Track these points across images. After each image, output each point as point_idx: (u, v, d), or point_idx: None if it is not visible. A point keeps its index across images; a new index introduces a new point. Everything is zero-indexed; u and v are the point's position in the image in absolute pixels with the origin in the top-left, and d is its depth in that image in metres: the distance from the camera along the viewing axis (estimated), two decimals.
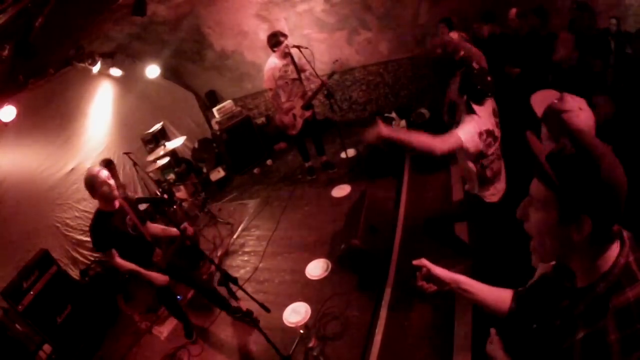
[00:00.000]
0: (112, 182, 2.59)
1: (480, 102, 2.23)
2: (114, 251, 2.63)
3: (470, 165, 2.38)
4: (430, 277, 1.27)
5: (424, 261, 1.29)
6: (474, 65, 2.30)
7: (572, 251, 0.85)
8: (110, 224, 2.62)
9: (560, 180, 0.79)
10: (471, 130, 2.21)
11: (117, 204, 2.68)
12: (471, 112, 2.24)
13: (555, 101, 1.49)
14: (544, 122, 1.54)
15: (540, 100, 1.58)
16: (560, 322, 0.90)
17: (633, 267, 0.81)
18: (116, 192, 2.62)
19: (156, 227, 2.99)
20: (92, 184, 2.55)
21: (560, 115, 1.43)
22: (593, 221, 0.78)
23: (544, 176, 0.82)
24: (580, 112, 1.43)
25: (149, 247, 2.82)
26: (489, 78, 2.24)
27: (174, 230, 2.92)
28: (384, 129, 2.12)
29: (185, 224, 2.88)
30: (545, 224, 0.86)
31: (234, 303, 2.87)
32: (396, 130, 2.23)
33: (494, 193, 2.47)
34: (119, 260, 2.64)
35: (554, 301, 0.96)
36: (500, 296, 1.22)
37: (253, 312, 2.97)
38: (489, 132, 2.28)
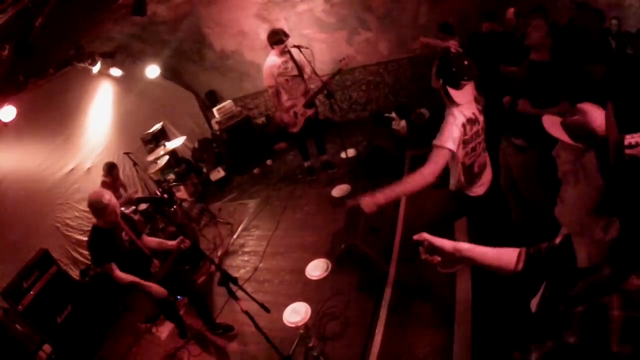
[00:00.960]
0: (117, 209, 2.67)
1: (457, 86, 2.16)
2: (113, 265, 2.67)
3: (458, 166, 2.33)
4: (433, 249, 1.31)
5: (424, 235, 1.32)
6: (452, 49, 2.25)
7: (587, 237, 0.84)
8: (108, 239, 2.68)
9: (616, 172, 0.76)
10: (453, 130, 2.13)
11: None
12: (448, 97, 2.19)
13: (576, 117, 1.49)
14: (569, 134, 1.52)
15: (551, 123, 1.58)
16: (563, 305, 0.88)
17: None
18: (118, 217, 2.70)
19: (152, 241, 3.02)
20: (101, 210, 2.60)
21: (587, 125, 1.43)
22: (622, 229, 0.76)
23: (603, 158, 0.79)
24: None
25: (146, 259, 2.87)
26: (466, 62, 2.17)
27: (170, 244, 2.95)
28: (373, 203, 2.11)
29: (181, 237, 2.89)
30: (581, 200, 0.83)
31: (219, 320, 3.10)
32: (383, 194, 2.15)
33: (481, 185, 2.45)
34: (119, 274, 2.68)
35: (558, 278, 0.95)
36: (503, 258, 1.23)
37: (234, 329, 3.08)
38: (471, 121, 2.21)
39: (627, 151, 0.76)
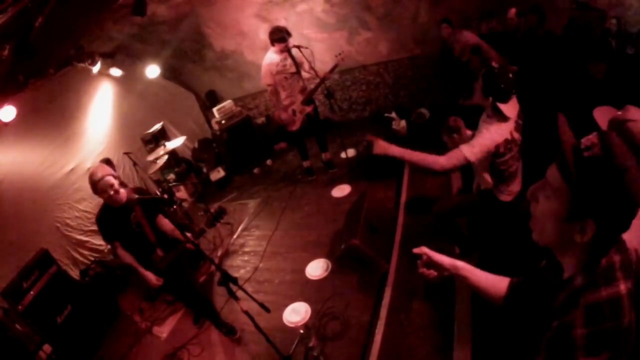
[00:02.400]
0: (116, 187, 2.66)
1: (506, 101, 2.18)
2: (117, 243, 2.77)
3: (485, 174, 2.40)
4: (431, 264, 1.32)
5: (424, 249, 1.35)
6: (493, 64, 2.26)
7: (568, 246, 0.85)
8: (114, 218, 2.73)
9: (578, 177, 0.78)
10: (484, 146, 2.17)
11: (123, 200, 2.73)
12: (498, 113, 2.19)
13: (620, 112, 1.50)
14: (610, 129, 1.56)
15: (602, 114, 1.60)
16: (542, 316, 0.89)
17: (615, 268, 0.81)
18: (119, 196, 2.69)
19: (167, 224, 3.00)
20: (93, 185, 2.64)
21: (624, 124, 1.43)
22: (598, 228, 0.78)
23: (563, 166, 0.81)
24: None
25: (149, 246, 2.86)
26: (510, 75, 2.20)
27: (181, 236, 2.93)
28: (385, 147, 2.20)
29: (190, 236, 2.82)
30: (551, 213, 0.85)
31: (223, 318, 3.06)
32: (397, 148, 2.24)
33: (509, 193, 2.45)
34: (121, 252, 2.76)
35: (541, 296, 0.96)
36: (497, 284, 1.24)
37: (237, 331, 3.04)
38: (508, 141, 2.23)
39: (586, 153, 0.77)
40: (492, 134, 2.20)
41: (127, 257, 2.76)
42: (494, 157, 2.29)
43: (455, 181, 3.83)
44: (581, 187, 0.78)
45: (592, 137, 0.79)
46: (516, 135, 2.29)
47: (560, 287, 0.87)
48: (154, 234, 2.88)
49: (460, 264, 1.30)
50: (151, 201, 2.96)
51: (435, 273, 1.33)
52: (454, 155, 2.18)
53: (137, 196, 2.78)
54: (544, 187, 0.87)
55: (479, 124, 2.34)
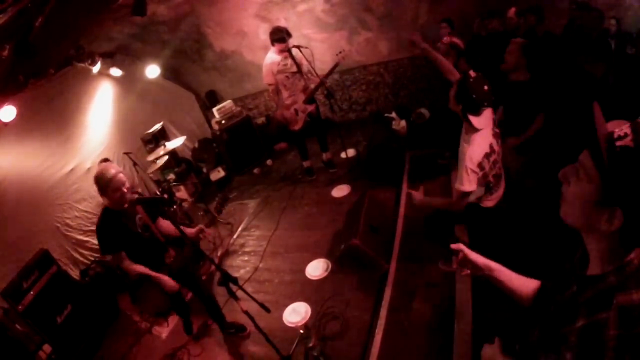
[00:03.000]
0: (127, 184, 2.44)
1: (476, 113, 2.16)
2: (123, 254, 2.47)
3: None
4: (466, 262, 1.33)
5: (461, 246, 1.35)
6: (471, 72, 2.23)
7: (595, 232, 0.85)
8: (119, 223, 2.47)
9: (610, 165, 0.77)
10: (471, 176, 2.21)
11: (127, 202, 2.50)
12: (468, 122, 2.20)
13: None
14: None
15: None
16: (563, 306, 0.89)
17: None
18: (128, 197, 2.45)
19: (169, 225, 2.77)
20: (105, 185, 2.39)
21: None
22: (626, 219, 0.77)
23: (596, 153, 0.80)
24: None
25: (161, 247, 2.66)
26: (485, 87, 2.14)
27: (189, 231, 2.72)
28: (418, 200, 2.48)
29: (200, 227, 2.70)
30: (581, 196, 0.85)
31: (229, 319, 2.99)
32: (426, 200, 2.50)
33: (492, 199, 2.47)
34: (128, 264, 2.49)
35: (564, 287, 0.95)
36: (529, 287, 1.24)
37: (247, 329, 3.00)
38: (488, 154, 2.24)
39: (618, 143, 0.77)
40: (471, 156, 2.20)
41: (137, 266, 2.49)
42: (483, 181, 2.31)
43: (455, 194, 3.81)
44: (612, 176, 0.78)
45: (625, 128, 0.78)
46: (495, 144, 2.29)
47: (588, 282, 0.86)
48: (162, 235, 2.68)
49: (494, 265, 1.31)
50: (151, 201, 2.84)
51: (469, 271, 1.35)
52: (455, 195, 2.33)
53: (136, 196, 2.64)
54: (577, 170, 0.87)
55: (460, 146, 2.35)
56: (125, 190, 2.42)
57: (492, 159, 2.27)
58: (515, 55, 3.00)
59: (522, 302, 1.24)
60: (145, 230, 2.60)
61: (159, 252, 2.67)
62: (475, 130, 2.20)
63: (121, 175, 2.43)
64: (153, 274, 2.53)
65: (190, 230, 2.74)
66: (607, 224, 0.80)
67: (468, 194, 2.27)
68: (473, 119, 2.16)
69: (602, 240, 0.84)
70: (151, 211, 2.70)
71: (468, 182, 2.21)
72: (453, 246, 1.36)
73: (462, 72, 2.31)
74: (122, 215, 2.51)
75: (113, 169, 2.43)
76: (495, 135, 2.31)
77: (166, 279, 2.56)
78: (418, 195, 2.47)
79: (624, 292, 0.78)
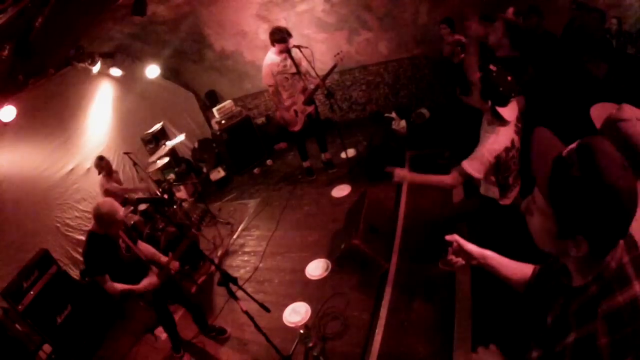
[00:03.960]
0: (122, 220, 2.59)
1: (505, 104, 2.15)
2: (107, 276, 2.51)
3: (491, 178, 2.39)
4: (461, 252, 1.35)
5: (456, 236, 1.36)
6: (491, 67, 2.23)
7: (569, 257, 0.85)
8: (105, 247, 2.54)
9: (558, 199, 0.77)
10: (485, 161, 2.18)
11: None
12: (498, 117, 2.18)
13: (614, 111, 1.48)
14: (603, 134, 1.53)
15: (599, 113, 1.58)
16: (555, 321, 0.89)
17: (627, 269, 0.80)
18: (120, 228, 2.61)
19: (147, 249, 2.87)
20: (110, 223, 2.49)
21: (617, 124, 1.41)
22: (590, 243, 0.77)
23: (542, 190, 0.81)
24: (638, 122, 1.40)
25: (143, 266, 2.73)
26: (509, 78, 2.16)
27: (163, 258, 2.83)
28: (402, 177, 2.38)
29: (170, 256, 2.78)
30: (543, 229, 0.86)
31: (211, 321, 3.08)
32: (412, 175, 2.47)
33: (509, 197, 2.46)
34: (110, 285, 2.52)
35: (553, 294, 0.96)
36: (523, 272, 1.24)
37: (227, 332, 3.09)
38: (508, 149, 2.23)
39: (566, 170, 0.75)
40: (492, 145, 2.18)
41: (118, 286, 2.54)
42: (497, 170, 2.29)
43: (456, 194, 3.80)
44: (563, 210, 0.77)
45: (573, 152, 0.77)
46: (516, 140, 2.29)
47: (574, 294, 0.86)
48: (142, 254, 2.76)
49: (489, 253, 1.32)
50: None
51: (464, 261, 1.36)
52: (457, 173, 2.26)
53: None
54: (534, 203, 0.87)
55: (481, 134, 2.33)
56: (122, 221, 2.56)
57: (511, 154, 2.26)
58: (499, 33, 3.00)
59: (517, 288, 1.25)
60: (128, 251, 2.66)
61: (142, 270, 2.72)
62: (503, 122, 2.19)
63: (122, 213, 2.55)
64: (134, 287, 2.58)
65: (164, 258, 2.82)
66: (574, 249, 0.80)
67: (468, 177, 2.24)
68: (503, 111, 2.15)
69: (577, 261, 0.85)
70: (130, 235, 2.76)
71: (478, 168, 2.19)
72: (447, 237, 1.37)
73: (482, 69, 2.29)
74: (108, 238, 2.57)
75: (122, 211, 2.54)
76: (517, 131, 2.29)
77: (144, 283, 2.60)
78: (401, 171, 2.37)
79: (607, 299, 0.78)
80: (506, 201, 2.46)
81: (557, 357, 0.85)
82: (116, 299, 2.64)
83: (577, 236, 0.78)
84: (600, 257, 0.81)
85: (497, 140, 2.19)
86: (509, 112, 2.18)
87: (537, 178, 0.80)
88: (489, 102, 2.17)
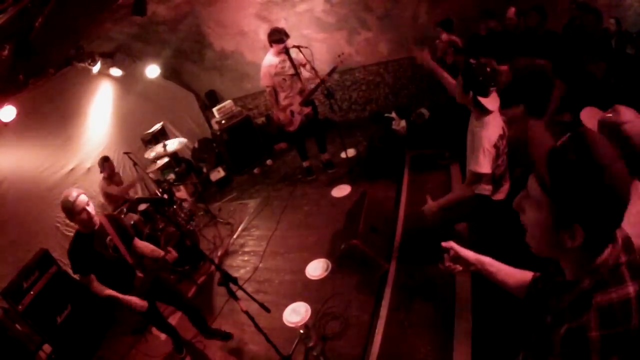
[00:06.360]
0: (90, 208, 2.47)
1: (486, 94, 2.22)
2: (92, 277, 2.48)
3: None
4: (458, 258, 1.35)
5: (452, 243, 1.37)
6: (471, 60, 2.33)
7: (563, 252, 0.85)
8: (90, 247, 2.49)
9: (555, 186, 0.77)
10: (487, 155, 2.24)
11: (97, 223, 2.55)
12: (481, 109, 2.23)
13: (610, 114, 1.49)
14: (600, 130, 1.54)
15: (589, 116, 1.61)
16: (553, 318, 0.89)
17: (622, 269, 0.80)
18: (96, 218, 2.51)
19: (145, 246, 2.83)
20: (69, 210, 2.42)
21: (619, 127, 1.42)
22: (586, 232, 0.77)
23: (539, 177, 0.81)
24: (637, 122, 1.42)
25: (129, 270, 2.66)
26: (488, 69, 2.25)
27: (161, 253, 2.80)
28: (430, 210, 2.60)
29: (169, 248, 2.77)
30: (538, 223, 0.85)
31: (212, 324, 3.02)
32: (438, 202, 2.60)
33: (502, 192, 2.50)
34: (97, 286, 2.49)
35: (547, 297, 0.96)
36: (521, 278, 1.24)
37: (232, 336, 3.06)
38: (502, 136, 2.29)
39: (561, 158, 0.76)
40: (489, 136, 2.23)
41: (105, 289, 2.49)
42: (495, 161, 2.32)
43: (455, 181, 3.84)
44: (560, 196, 0.77)
45: (567, 139, 0.78)
46: (505, 128, 2.35)
47: (566, 288, 0.86)
48: (131, 257, 2.69)
49: (486, 259, 1.32)
50: (124, 226, 2.78)
51: (461, 267, 1.36)
52: (468, 180, 2.40)
53: (110, 216, 2.70)
54: (527, 197, 0.87)
55: (471, 134, 2.36)
56: (89, 210, 2.45)
57: (504, 141, 2.32)
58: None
59: (517, 294, 1.25)
60: (115, 252, 2.60)
61: (128, 275, 2.66)
62: (487, 112, 2.25)
63: (82, 196, 2.45)
64: (121, 296, 2.52)
65: (161, 252, 2.80)
66: (570, 240, 0.80)
67: (480, 177, 2.32)
68: (485, 101, 2.22)
69: (570, 253, 0.84)
70: (124, 234, 2.71)
71: (484, 164, 2.25)
72: (444, 244, 1.38)
73: (463, 64, 2.36)
74: (94, 237, 2.52)
75: (74, 192, 2.45)
76: (504, 120, 2.36)
77: (134, 300, 2.54)
78: (430, 205, 2.57)
79: (602, 292, 0.78)
80: (499, 196, 2.49)
81: (547, 347, 0.85)
82: (103, 300, 2.57)
83: (573, 225, 0.78)
84: (595, 251, 0.81)
85: (490, 131, 2.25)
86: (491, 102, 2.24)
87: (536, 162, 0.80)
88: (470, 94, 2.23)
